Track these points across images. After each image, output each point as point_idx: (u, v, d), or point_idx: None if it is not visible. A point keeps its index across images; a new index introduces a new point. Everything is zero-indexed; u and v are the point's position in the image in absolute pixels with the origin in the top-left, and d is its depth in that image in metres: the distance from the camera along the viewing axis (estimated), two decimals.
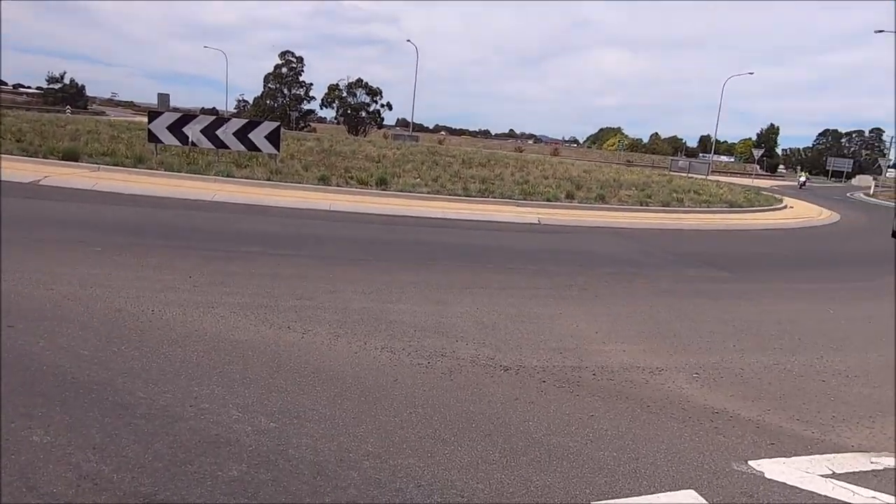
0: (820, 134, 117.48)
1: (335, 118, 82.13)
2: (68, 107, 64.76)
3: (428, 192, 14.29)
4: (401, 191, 14.14)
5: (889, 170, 68.55)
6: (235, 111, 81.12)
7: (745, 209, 18.89)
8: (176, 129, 14.32)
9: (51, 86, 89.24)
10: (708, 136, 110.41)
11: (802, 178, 50.18)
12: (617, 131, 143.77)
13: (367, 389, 3.54)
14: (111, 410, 2.97)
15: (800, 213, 21.24)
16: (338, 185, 13.94)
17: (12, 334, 3.75)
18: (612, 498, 2.66)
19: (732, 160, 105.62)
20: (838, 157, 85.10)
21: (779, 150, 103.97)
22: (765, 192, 28.06)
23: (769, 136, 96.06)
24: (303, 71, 77.44)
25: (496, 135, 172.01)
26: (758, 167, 65.58)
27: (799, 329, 5.78)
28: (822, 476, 3.03)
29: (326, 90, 78.23)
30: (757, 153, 55.90)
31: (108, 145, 16.19)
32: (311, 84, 78.32)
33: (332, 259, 7.15)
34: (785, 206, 22.12)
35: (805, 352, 5.10)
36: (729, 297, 7.04)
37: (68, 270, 5.33)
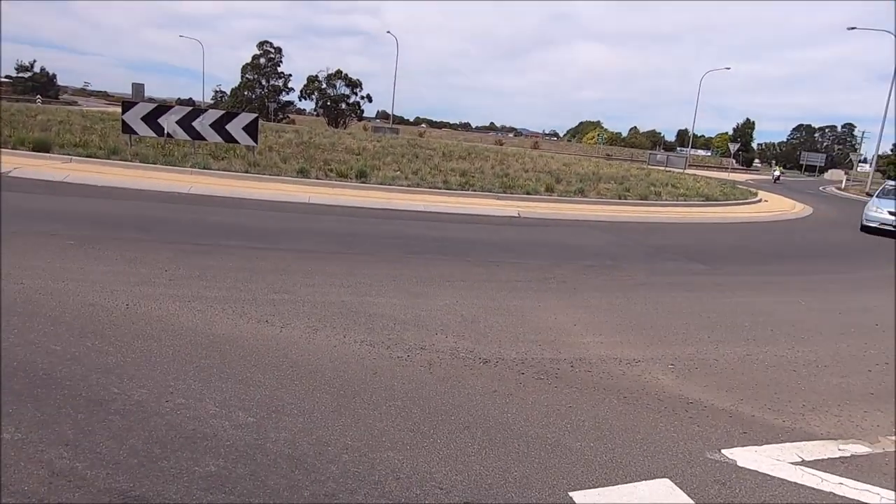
0: (794, 129, 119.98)
1: (314, 110, 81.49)
2: (39, 96, 63.10)
3: (408, 185, 14.26)
4: (381, 184, 14.09)
5: (860, 164, 70.16)
6: (212, 102, 80.00)
7: (720, 203, 19.19)
8: (151, 120, 14.07)
9: (20, 74, 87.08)
10: (685, 130, 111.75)
11: (777, 173, 51.01)
12: (596, 125, 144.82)
13: (346, 383, 3.53)
14: (84, 406, 2.92)
15: (774, 206, 21.63)
16: (317, 178, 13.83)
17: None
18: (589, 488, 2.70)
19: (709, 154, 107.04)
20: (812, 151, 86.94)
21: (754, 145, 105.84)
22: (740, 186, 28.52)
23: (745, 130, 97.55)
24: (281, 61, 76.67)
25: (477, 128, 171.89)
26: (734, 161, 66.56)
27: (772, 320, 5.91)
28: (791, 463, 3.11)
29: (305, 81, 77.60)
30: (733, 147, 56.67)
31: (81, 136, 15.86)
32: (290, 75, 77.65)
33: (311, 252, 7.10)
34: (760, 200, 22.52)
35: (777, 343, 5.21)
36: (704, 289, 7.16)
37: (39, 264, 5.21)
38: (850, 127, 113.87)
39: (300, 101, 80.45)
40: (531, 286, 6.41)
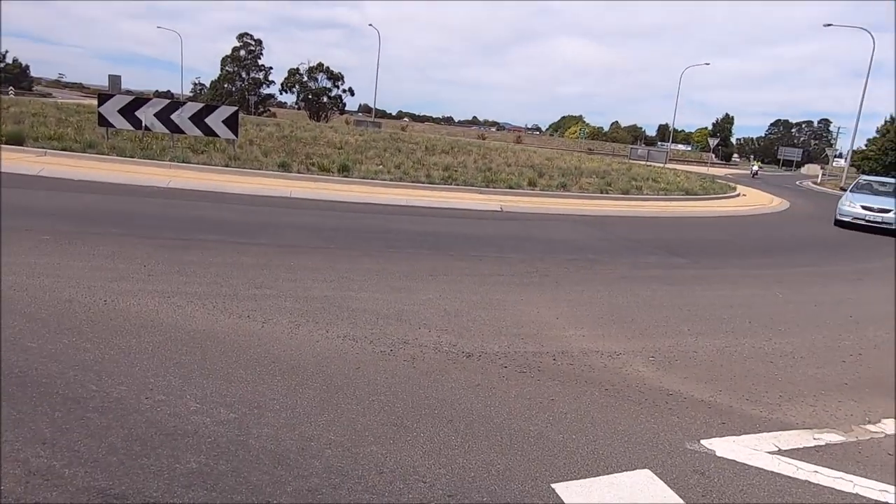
0: (772, 124, 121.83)
1: (296, 103, 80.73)
2: (11, 88, 61.67)
3: (391, 179, 14.20)
4: (363, 178, 14.02)
5: (836, 159, 71.48)
6: (191, 95, 78.85)
7: (700, 197, 19.42)
8: (128, 112, 13.80)
9: None
10: (666, 125, 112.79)
11: (755, 168, 51.75)
12: (578, 119, 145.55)
13: (328, 378, 3.52)
14: (62, 404, 2.87)
15: (752, 200, 21.96)
16: (298, 172, 13.71)
17: None
18: (571, 479, 2.73)
19: (689, 149, 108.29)
20: (789, 146, 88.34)
21: (734, 140, 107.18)
22: (720, 181, 28.90)
23: (724, 125, 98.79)
24: (262, 54, 75.81)
25: (459, 122, 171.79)
26: (713, 156, 67.42)
27: (749, 313, 6.01)
28: (768, 453, 3.17)
29: (287, 74, 76.81)
30: (713, 142, 57.41)
31: (56, 129, 15.52)
32: (271, 68, 76.85)
33: (293, 247, 7.05)
34: (738, 195, 22.83)
35: (755, 334, 5.30)
36: (684, 282, 7.25)
37: (14, 259, 5.11)
38: (826, 122, 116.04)
39: (281, 94, 79.71)
40: (514, 280, 6.44)
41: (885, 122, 54.26)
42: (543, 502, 2.54)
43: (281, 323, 4.35)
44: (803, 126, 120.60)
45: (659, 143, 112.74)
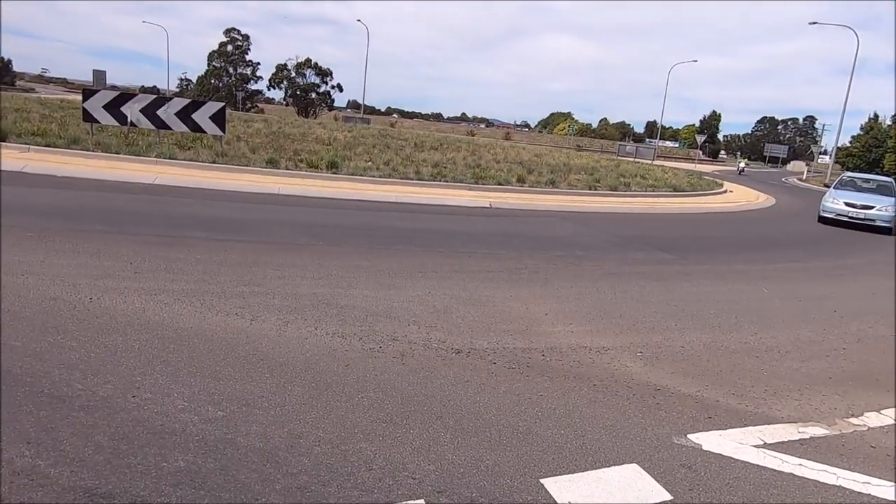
0: (758, 121, 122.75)
1: (284, 99, 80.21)
2: None
3: (380, 176, 14.17)
4: (352, 174, 13.97)
5: (821, 156, 72.26)
6: (178, 90, 78.07)
7: (688, 193, 19.56)
8: (113, 108, 13.65)
9: None
10: (654, 122, 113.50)
11: (742, 165, 52.17)
12: (567, 116, 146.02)
13: (317, 375, 3.51)
14: (47, 403, 2.84)
15: (739, 197, 22.15)
16: (287, 169, 13.63)
17: None
18: (560, 474, 2.75)
19: (677, 146, 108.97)
20: (775, 143, 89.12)
21: (721, 137, 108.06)
22: (707, 177, 29.11)
23: (711, 122, 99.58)
24: (249, 49, 75.19)
25: (449, 118, 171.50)
26: (700, 153, 67.85)
27: (736, 308, 6.07)
28: (754, 446, 3.21)
29: (274, 70, 76.22)
30: (700, 139, 57.79)
31: (39, 125, 15.30)
32: (259, 63, 76.24)
33: (282, 244, 7.01)
34: (725, 191, 23.03)
35: (741, 330, 5.36)
36: (672, 278, 7.31)
37: None
38: (811, 119, 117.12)
39: (269, 89, 79.17)
40: (503, 276, 6.46)
41: (869, 119, 55.02)
42: (532, 497, 2.55)
43: (269, 320, 4.33)
44: (789, 123, 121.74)
45: (647, 139, 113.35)
